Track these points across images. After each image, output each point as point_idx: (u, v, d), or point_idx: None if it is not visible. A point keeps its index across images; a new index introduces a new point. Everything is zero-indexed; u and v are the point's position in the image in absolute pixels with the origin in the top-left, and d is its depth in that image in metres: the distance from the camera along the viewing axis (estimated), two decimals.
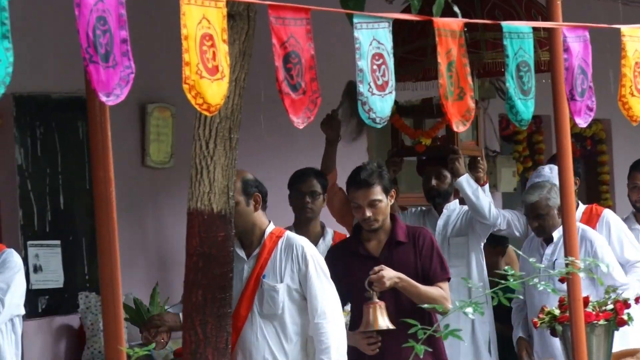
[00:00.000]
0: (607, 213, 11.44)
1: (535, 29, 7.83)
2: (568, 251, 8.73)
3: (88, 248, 11.07)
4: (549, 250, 10.59)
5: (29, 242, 10.83)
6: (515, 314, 10.91)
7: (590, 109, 8.08)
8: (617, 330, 9.74)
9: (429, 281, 8.89)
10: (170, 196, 9.98)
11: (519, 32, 7.69)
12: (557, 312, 9.51)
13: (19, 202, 10.92)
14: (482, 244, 10.97)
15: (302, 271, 8.26)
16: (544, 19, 9.72)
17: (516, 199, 15.96)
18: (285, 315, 8.28)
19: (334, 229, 10.54)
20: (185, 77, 6.00)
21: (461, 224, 10.77)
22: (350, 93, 10.59)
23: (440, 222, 10.87)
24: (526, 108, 7.71)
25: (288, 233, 8.49)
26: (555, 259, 10.39)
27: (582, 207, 11.30)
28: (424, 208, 11.26)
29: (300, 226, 10.38)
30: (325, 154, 10.89)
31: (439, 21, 7.06)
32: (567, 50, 7.96)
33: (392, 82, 6.85)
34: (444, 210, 10.91)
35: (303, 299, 8.29)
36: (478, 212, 10.51)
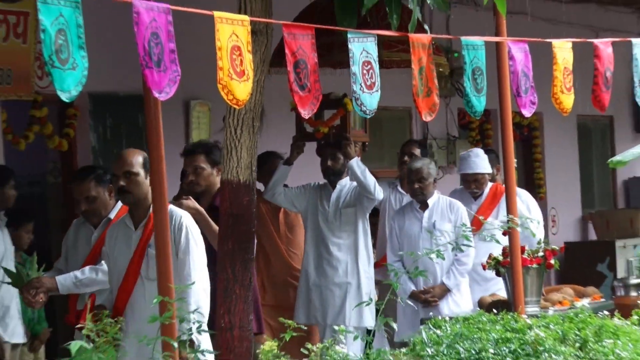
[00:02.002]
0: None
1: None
2: (509, 211, 8.78)
3: None
4: (426, 214, 10.22)
5: None
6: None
7: (533, 103, 8.11)
8: (547, 272, 9.78)
9: None
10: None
11: (474, 44, 7.68)
12: (500, 258, 9.53)
13: None
14: (367, 214, 10.36)
15: (177, 239, 7.18)
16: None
17: None
18: None
19: None
20: (219, 79, 6.02)
21: (350, 197, 10.20)
22: None
23: (334, 195, 10.27)
24: (479, 103, 7.69)
25: (170, 206, 7.34)
26: (434, 220, 10.14)
27: (489, 185, 10.98)
28: (321, 183, 10.57)
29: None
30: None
31: (413, 36, 7.04)
32: (511, 58, 7.97)
33: (377, 82, 6.83)
34: (337, 186, 10.31)
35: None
36: (365, 189, 9.97)
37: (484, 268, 9.78)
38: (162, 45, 5.70)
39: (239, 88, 6.10)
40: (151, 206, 7.05)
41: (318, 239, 10.22)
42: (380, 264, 10.63)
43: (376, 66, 6.84)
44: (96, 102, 11.01)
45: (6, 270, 8.46)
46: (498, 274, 9.62)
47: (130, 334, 7.02)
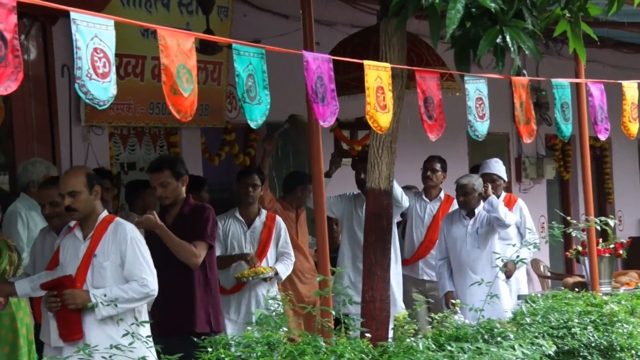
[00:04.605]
0: (519, 201, 10.24)
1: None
2: (587, 212, 8.64)
3: None
4: (471, 221, 9.23)
5: None
6: (440, 271, 9.38)
7: (607, 129, 7.96)
8: (616, 260, 9.58)
9: (191, 238, 7.13)
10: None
11: (562, 85, 7.55)
12: (580, 248, 9.38)
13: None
14: (395, 219, 9.32)
15: (122, 249, 6.22)
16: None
17: (554, 184, 15.83)
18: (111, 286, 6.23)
19: (267, 211, 8.94)
20: (367, 111, 6.00)
21: None
22: (291, 122, 9.62)
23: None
24: (567, 129, 7.54)
25: (117, 219, 6.41)
26: (478, 227, 9.20)
27: (503, 194, 10.04)
28: (355, 193, 9.59)
29: (244, 208, 8.82)
30: (263, 162, 9.38)
31: (515, 78, 6.94)
32: (590, 95, 7.85)
33: (487, 113, 6.74)
34: None
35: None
36: (394, 198, 8.48)
37: (566, 257, 9.63)
38: (325, 86, 5.71)
39: (382, 118, 6.07)
40: (99, 217, 6.34)
41: (353, 242, 9.43)
42: (409, 262, 9.89)
43: (486, 101, 6.75)
44: (270, 129, 10.97)
45: None
46: (578, 261, 9.47)
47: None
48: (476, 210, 9.29)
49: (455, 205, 9.58)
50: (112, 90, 4.28)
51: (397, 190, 9.12)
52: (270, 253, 8.71)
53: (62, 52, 8.93)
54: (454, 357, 5.46)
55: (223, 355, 5.17)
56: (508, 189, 14.07)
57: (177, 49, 4.64)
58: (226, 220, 8.77)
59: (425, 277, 9.90)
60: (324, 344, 5.40)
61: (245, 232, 8.76)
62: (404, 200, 9.35)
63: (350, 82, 8.74)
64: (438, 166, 10.03)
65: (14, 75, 3.77)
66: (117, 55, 4.37)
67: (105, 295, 6.14)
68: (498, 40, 6.19)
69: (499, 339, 5.95)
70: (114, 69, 4.30)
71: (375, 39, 9.27)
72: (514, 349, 5.64)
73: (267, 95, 5.34)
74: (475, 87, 6.68)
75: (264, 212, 8.83)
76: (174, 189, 7.24)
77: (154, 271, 6.29)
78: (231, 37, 9.59)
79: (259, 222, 8.77)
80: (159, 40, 4.59)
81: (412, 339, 5.81)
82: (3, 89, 3.74)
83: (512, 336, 5.99)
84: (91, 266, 6.25)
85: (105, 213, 6.40)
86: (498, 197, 9.89)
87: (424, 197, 10.12)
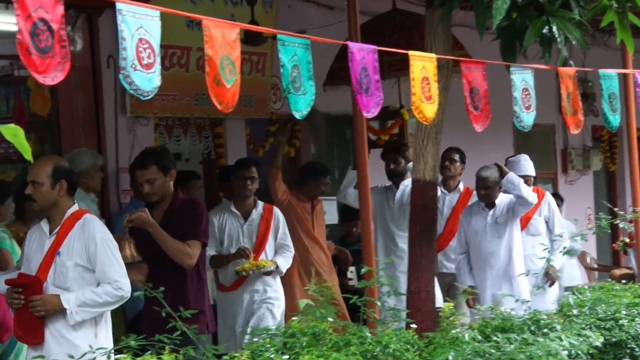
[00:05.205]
0: (547, 195, 9.99)
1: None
2: (634, 204, 8.58)
3: None
4: (491, 212, 9.07)
5: None
6: (460, 265, 9.22)
7: None
8: None
9: (184, 237, 6.63)
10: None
11: (609, 75, 7.49)
12: (627, 240, 9.32)
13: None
14: None
15: (91, 250, 5.82)
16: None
17: (600, 176, 15.70)
18: (73, 288, 5.85)
19: (263, 202, 8.57)
20: (412, 102, 5.98)
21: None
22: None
23: (398, 195, 9.21)
24: (615, 120, 7.49)
25: (87, 216, 5.95)
26: (497, 217, 9.05)
27: (531, 187, 9.66)
28: (386, 185, 9.51)
29: (240, 201, 8.47)
30: (276, 153, 8.97)
31: (562, 69, 6.89)
32: (638, 86, 7.79)
33: (534, 104, 6.70)
34: (400, 186, 9.20)
35: (90, 272, 5.88)
36: None
37: (613, 249, 9.57)
38: (370, 77, 5.69)
39: (427, 109, 6.05)
40: (67, 212, 5.95)
41: (386, 234, 9.37)
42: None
43: (533, 92, 6.71)
44: (314, 120, 10.99)
45: None
46: (625, 252, 9.41)
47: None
48: (496, 201, 9.14)
49: (474, 197, 9.46)
50: (157, 81, 4.29)
51: None
52: (269, 246, 8.42)
53: (108, 43, 8.99)
54: (500, 348, 5.43)
55: (268, 345, 5.17)
56: (554, 181, 14.02)
57: (222, 39, 4.64)
58: (221, 215, 8.42)
59: (445, 270, 9.70)
60: (369, 335, 5.39)
61: (242, 226, 8.41)
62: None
63: None
64: (457, 157, 9.84)
65: (60, 66, 3.78)
66: (162, 46, 4.37)
67: (78, 300, 5.83)
68: (544, 31, 6.14)
69: (545, 330, 5.92)
70: (158, 59, 4.30)
71: (390, 23, 9.15)
72: (561, 340, 5.60)
73: (312, 85, 5.33)
74: (522, 78, 6.64)
75: (260, 204, 8.50)
76: (161, 184, 6.75)
77: (125, 271, 5.95)
78: (276, 28, 9.58)
79: (255, 214, 8.44)
80: (203, 31, 4.59)
81: (458, 329, 5.78)
82: (50, 79, 3.75)
83: (559, 327, 5.96)
84: (54, 264, 5.90)
85: (74, 208, 5.99)
86: None
87: (442, 188, 9.88)
